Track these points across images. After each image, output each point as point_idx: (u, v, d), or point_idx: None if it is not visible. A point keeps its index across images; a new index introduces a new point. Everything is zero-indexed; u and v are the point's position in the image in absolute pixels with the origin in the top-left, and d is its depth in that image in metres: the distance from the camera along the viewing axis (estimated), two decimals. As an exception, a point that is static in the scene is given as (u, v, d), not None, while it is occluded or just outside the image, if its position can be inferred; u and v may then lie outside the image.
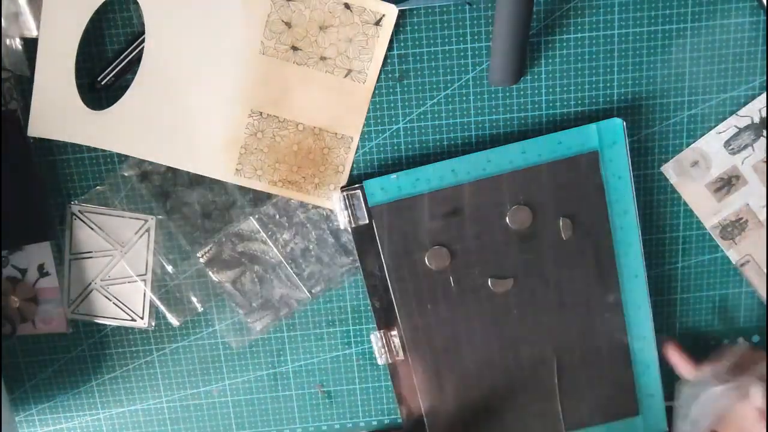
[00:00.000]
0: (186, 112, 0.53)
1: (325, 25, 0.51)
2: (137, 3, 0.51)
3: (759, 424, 0.49)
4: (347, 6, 0.51)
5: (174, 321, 0.58)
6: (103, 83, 0.52)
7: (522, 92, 0.55)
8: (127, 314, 0.58)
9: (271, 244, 0.57)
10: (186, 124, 0.53)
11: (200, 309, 0.58)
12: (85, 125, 0.53)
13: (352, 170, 0.56)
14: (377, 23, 0.52)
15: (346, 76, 0.53)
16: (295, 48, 0.52)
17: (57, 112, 0.52)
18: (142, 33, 0.52)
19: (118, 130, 0.53)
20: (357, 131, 0.54)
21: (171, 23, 0.51)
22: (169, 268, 0.57)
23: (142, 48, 0.52)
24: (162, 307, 0.58)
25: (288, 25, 0.51)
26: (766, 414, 0.49)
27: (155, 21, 0.51)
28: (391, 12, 0.51)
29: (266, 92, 0.53)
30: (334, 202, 0.55)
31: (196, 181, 0.55)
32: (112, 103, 0.53)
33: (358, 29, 0.52)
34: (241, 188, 0.55)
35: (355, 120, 0.54)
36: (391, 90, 0.54)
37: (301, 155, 0.54)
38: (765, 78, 0.55)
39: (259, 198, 0.56)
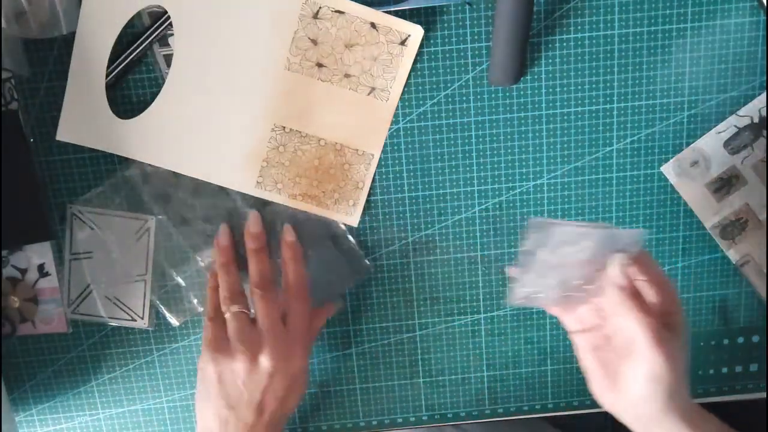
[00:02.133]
0: (210, 124, 0.53)
1: (350, 43, 0.52)
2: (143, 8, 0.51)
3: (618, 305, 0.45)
4: (373, 25, 0.52)
5: (174, 321, 0.58)
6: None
7: (522, 92, 0.55)
8: (127, 314, 0.58)
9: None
10: (210, 136, 0.54)
11: (200, 309, 0.58)
12: (113, 133, 0.53)
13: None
14: (402, 43, 0.52)
15: (369, 93, 0.53)
16: (320, 65, 0.52)
17: (86, 118, 0.53)
18: (143, 33, 0.52)
19: (143, 140, 0.53)
20: (378, 148, 0.55)
21: (200, 36, 0.52)
22: (169, 269, 0.57)
23: (144, 48, 0.52)
24: (162, 308, 0.58)
25: (314, 42, 0.52)
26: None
27: (184, 33, 0.52)
28: (417, 32, 0.52)
29: (290, 107, 0.53)
30: None
31: (196, 182, 0.55)
32: (113, 103, 0.53)
33: (384, 48, 0.52)
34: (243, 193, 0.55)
35: (377, 137, 0.54)
36: (391, 90, 0.54)
37: (321, 170, 0.55)
38: (765, 78, 0.55)
39: (260, 203, 0.56)
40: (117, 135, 0.53)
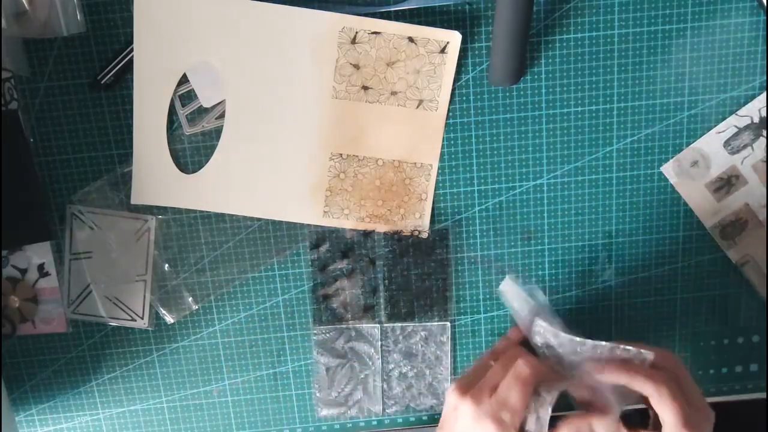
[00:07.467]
0: (270, 164, 0.55)
1: (391, 61, 0.52)
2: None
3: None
4: (411, 39, 0.52)
5: (169, 319, 0.58)
6: (102, 82, 0.53)
7: (522, 92, 0.55)
8: (127, 314, 0.58)
9: (379, 356, 0.58)
10: (272, 176, 0.55)
11: (194, 307, 0.58)
12: (180, 189, 0.55)
13: (435, 197, 0.56)
14: (442, 51, 0.52)
15: (418, 106, 0.54)
16: (365, 87, 0.53)
17: (154, 179, 0.55)
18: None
19: (209, 191, 0.55)
20: (435, 158, 0.55)
21: (247, 83, 0.53)
22: (169, 268, 0.57)
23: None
24: (161, 308, 0.58)
25: (356, 66, 0.52)
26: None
27: (232, 83, 0.53)
28: (455, 38, 0.52)
29: (343, 134, 0.54)
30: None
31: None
32: (112, 101, 0.53)
33: (425, 60, 0.53)
34: (242, 188, 0.55)
35: (432, 147, 0.55)
36: (391, 90, 0.54)
37: (384, 189, 0.56)
38: (765, 78, 0.55)
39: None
40: (184, 190, 0.55)
